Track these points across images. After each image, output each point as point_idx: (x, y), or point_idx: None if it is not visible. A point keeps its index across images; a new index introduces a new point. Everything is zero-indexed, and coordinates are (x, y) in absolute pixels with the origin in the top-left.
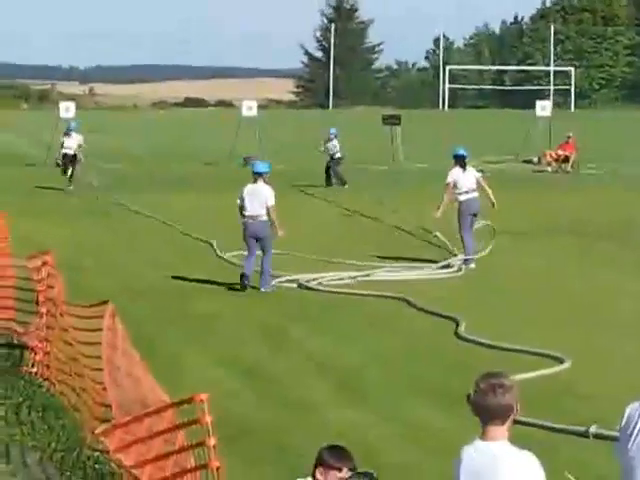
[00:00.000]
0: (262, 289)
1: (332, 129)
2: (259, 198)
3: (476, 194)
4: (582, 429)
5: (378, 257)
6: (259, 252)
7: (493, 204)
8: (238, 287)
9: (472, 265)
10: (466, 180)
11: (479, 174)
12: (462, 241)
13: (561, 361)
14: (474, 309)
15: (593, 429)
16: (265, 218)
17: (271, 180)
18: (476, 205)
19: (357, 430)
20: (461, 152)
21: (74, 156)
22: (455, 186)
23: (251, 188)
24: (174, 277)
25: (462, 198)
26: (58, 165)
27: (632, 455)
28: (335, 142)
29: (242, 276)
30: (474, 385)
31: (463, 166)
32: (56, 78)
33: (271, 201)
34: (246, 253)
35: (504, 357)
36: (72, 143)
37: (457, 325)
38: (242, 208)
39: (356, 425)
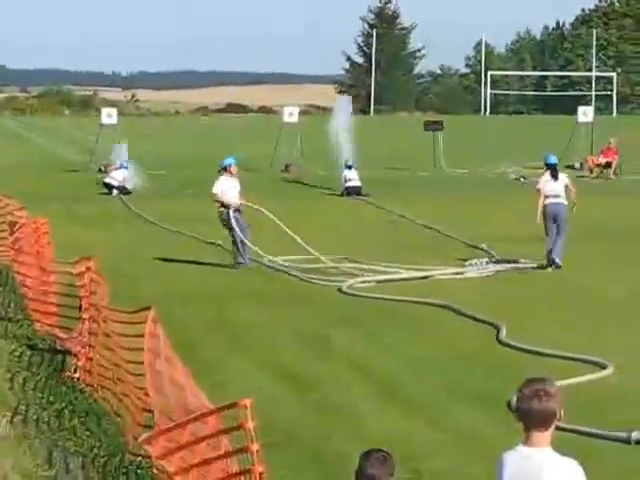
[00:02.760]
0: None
1: (349, 161)
2: (233, 189)
3: (560, 200)
4: (624, 435)
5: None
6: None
7: (573, 207)
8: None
9: (549, 270)
10: (552, 187)
11: (569, 181)
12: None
13: (603, 367)
14: (515, 313)
15: (635, 435)
16: (238, 207)
17: (314, 185)
18: (556, 209)
19: (400, 435)
20: (551, 161)
21: (119, 187)
22: (542, 190)
23: (223, 180)
24: (214, 283)
25: (543, 202)
26: (100, 170)
27: None
28: (346, 172)
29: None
30: (517, 391)
31: (554, 175)
32: (99, 84)
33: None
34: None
35: (546, 362)
36: (118, 175)
37: (498, 331)
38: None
39: (398, 431)
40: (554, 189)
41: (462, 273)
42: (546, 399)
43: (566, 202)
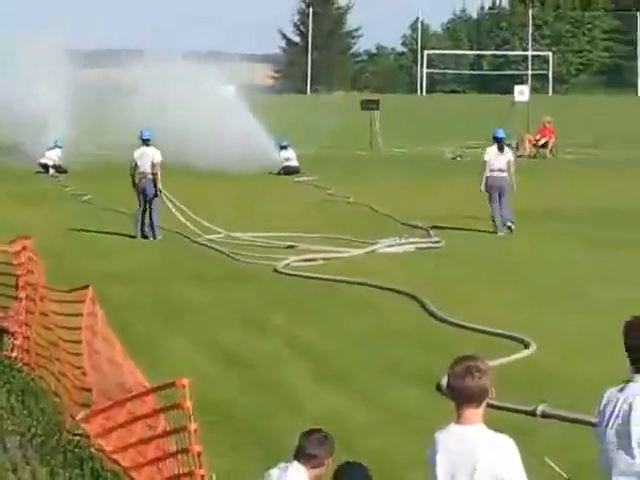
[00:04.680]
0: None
1: (284, 141)
2: (148, 158)
3: (502, 174)
4: (530, 408)
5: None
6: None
7: (513, 187)
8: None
9: (501, 233)
10: (498, 160)
11: (512, 158)
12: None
13: (526, 345)
14: (446, 289)
15: (541, 408)
16: (151, 176)
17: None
18: (499, 183)
19: (336, 414)
20: (499, 135)
21: (56, 166)
22: (488, 164)
23: (140, 151)
24: (150, 261)
25: (488, 174)
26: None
27: (610, 440)
28: (283, 152)
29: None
30: (449, 369)
31: (500, 148)
32: None
33: (157, 158)
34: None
35: (483, 340)
36: (52, 154)
37: (423, 306)
38: (135, 168)
39: (336, 410)
40: (499, 163)
41: (374, 250)
42: (478, 375)
43: (508, 176)
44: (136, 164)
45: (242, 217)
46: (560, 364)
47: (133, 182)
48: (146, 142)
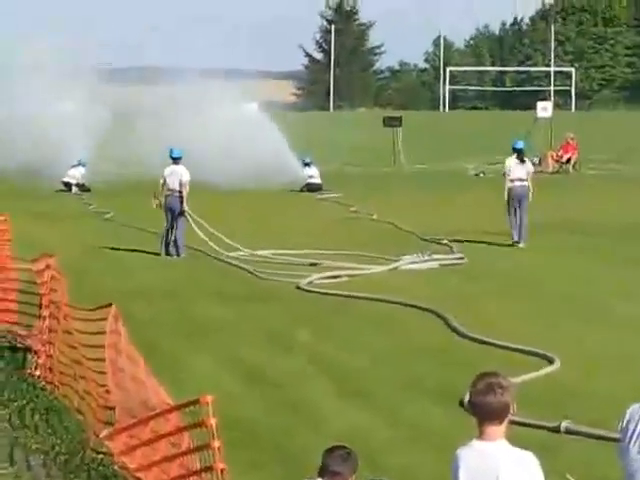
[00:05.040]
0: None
1: (307, 158)
2: (177, 177)
3: (523, 183)
4: (554, 424)
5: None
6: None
7: (529, 196)
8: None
9: (521, 245)
10: (517, 170)
11: (532, 169)
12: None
13: (550, 361)
14: (468, 305)
15: (565, 424)
16: (178, 194)
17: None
18: (520, 191)
19: (360, 431)
20: (518, 146)
21: (79, 185)
22: (508, 174)
23: (170, 169)
24: (174, 279)
25: (509, 185)
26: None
27: (633, 457)
28: (306, 169)
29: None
30: (471, 386)
31: (520, 158)
32: None
33: (186, 177)
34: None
35: (509, 356)
36: (76, 173)
37: (446, 322)
38: (164, 185)
39: (359, 427)
40: (519, 172)
41: (397, 268)
42: (500, 392)
43: (527, 185)
44: (165, 181)
45: (264, 234)
46: (582, 380)
47: (159, 202)
48: (176, 160)
